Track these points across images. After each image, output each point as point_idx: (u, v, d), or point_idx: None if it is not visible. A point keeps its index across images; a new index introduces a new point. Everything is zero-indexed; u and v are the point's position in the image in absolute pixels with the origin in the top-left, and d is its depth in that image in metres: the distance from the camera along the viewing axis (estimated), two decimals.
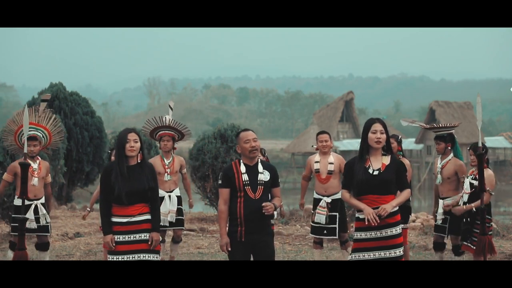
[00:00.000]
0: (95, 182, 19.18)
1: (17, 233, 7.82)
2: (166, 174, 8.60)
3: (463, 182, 7.92)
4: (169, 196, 8.61)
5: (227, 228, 5.73)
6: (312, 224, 8.51)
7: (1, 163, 11.39)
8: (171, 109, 9.06)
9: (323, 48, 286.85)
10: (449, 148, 8.12)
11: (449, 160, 8.09)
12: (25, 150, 7.39)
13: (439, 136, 8.17)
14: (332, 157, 8.44)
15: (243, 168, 5.69)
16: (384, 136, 5.65)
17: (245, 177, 5.66)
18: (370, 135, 5.66)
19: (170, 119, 8.71)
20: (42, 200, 8.21)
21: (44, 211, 8.17)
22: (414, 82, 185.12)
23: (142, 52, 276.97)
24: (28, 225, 7.88)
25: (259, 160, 5.79)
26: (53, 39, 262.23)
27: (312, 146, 9.02)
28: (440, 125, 8.28)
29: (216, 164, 14.00)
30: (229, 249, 5.65)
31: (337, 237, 8.37)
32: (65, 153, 15.12)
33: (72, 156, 17.53)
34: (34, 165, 8.06)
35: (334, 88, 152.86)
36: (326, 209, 8.34)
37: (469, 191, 7.78)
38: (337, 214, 8.31)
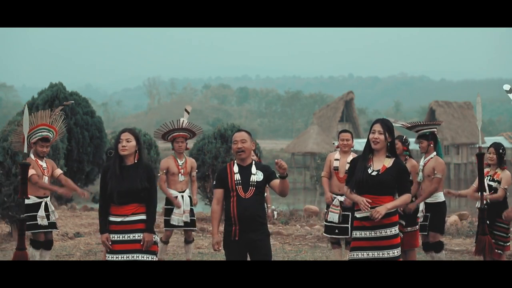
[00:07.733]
0: (95, 182, 19.18)
1: (34, 230, 8.07)
2: (180, 174, 8.74)
3: (440, 178, 7.96)
4: (182, 196, 8.73)
5: (219, 228, 5.82)
6: (326, 223, 8.57)
7: (1, 163, 11.39)
8: (188, 112, 9.27)
9: (323, 48, 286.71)
10: (431, 145, 8.14)
11: (431, 158, 8.11)
12: (25, 150, 7.40)
13: (421, 135, 8.20)
14: (351, 157, 8.46)
15: (236, 168, 5.78)
16: (381, 136, 5.69)
17: (237, 176, 5.74)
18: (370, 135, 5.72)
19: (186, 121, 8.92)
20: (48, 198, 8.31)
21: (53, 208, 8.32)
22: (414, 82, 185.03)
23: (142, 52, 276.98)
24: (40, 221, 8.09)
25: (253, 162, 5.85)
26: (53, 39, 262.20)
27: (333, 143, 9.12)
28: (420, 123, 8.32)
29: (216, 164, 14.03)
30: (220, 248, 5.75)
31: (349, 236, 8.37)
32: (65, 153, 15.10)
33: (73, 156, 17.52)
34: (44, 164, 8.16)
35: (334, 88, 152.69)
36: (339, 208, 8.40)
37: (488, 193, 7.75)
38: (350, 213, 8.27)
